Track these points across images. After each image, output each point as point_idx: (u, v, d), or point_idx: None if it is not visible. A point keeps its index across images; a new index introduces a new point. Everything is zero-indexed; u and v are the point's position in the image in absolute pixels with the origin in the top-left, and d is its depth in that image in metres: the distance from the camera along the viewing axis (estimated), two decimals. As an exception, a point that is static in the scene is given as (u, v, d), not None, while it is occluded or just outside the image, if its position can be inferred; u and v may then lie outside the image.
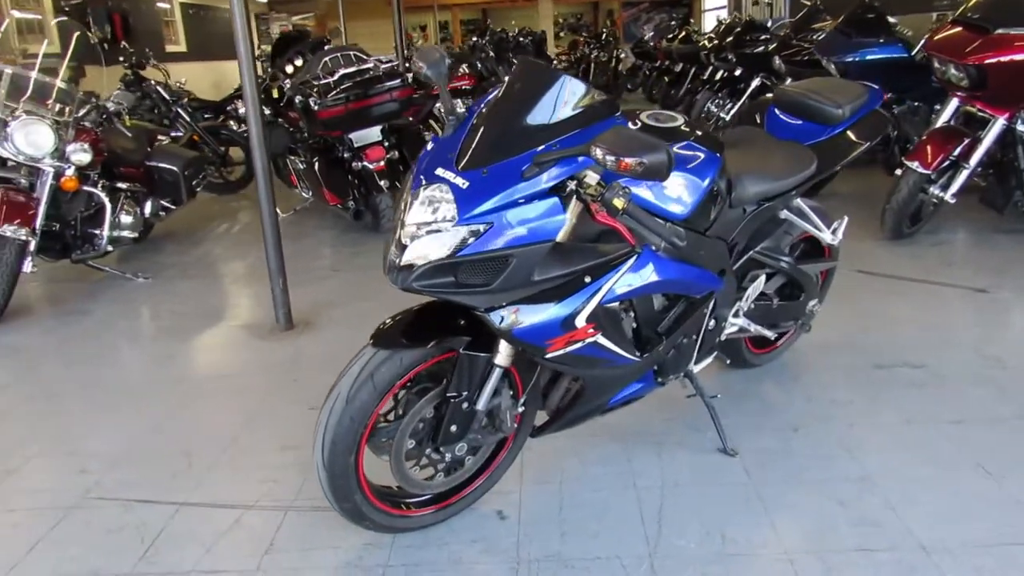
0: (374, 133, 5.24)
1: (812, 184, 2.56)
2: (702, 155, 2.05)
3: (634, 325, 2.09)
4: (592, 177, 1.75)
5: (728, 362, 2.92)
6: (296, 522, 2.19)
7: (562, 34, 26.46)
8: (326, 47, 6.64)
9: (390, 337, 1.86)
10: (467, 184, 1.72)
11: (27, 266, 4.05)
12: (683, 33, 11.23)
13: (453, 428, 1.94)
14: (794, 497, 2.21)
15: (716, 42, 8.61)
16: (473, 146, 1.77)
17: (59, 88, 4.33)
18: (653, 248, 1.97)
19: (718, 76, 8.63)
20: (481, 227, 1.68)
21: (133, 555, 2.09)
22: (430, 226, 1.71)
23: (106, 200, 4.51)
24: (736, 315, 2.53)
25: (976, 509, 2.11)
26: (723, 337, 2.52)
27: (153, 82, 7.58)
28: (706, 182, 2.03)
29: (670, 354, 2.23)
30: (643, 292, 1.99)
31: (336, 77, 5.02)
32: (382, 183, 5.20)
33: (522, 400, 2.07)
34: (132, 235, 4.88)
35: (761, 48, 7.64)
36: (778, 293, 2.78)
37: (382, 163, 5.20)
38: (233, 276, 4.89)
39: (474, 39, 8.92)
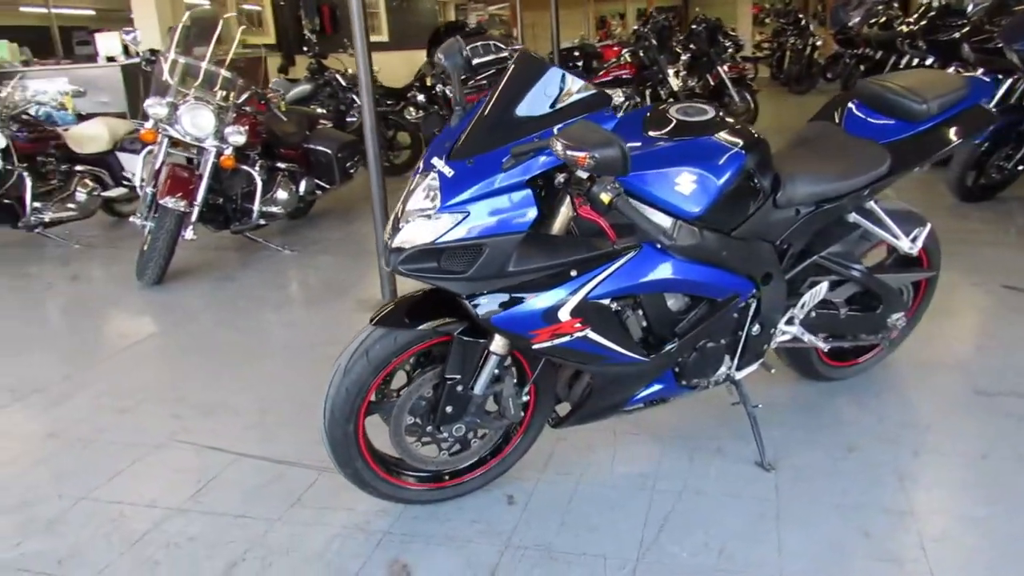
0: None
1: (886, 185, 2.35)
2: (721, 152, 1.95)
3: (644, 323, 2.05)
4: (583, 172, 1.74)
5: (798, 373, 2.75)
6: (326, 483, 2.36)
7: (767, 20, 25.24)
8: (468, 36, 6.83)
9: (389, 317, 1.95)
10: (452, 173, 1.77)
11: (188, 234, 4.58)
12: (884, 17, 10.38)
13: (449, 409, 2.01)
14: (816, 521, 2.07)
15: (912, 27, 7.91)
16: (464, 136, 1.82)
17: (223, 76, 4.82)
18: (657, 246, 1.92)
19: (915, 64, 7.92)
20: (460, 215, 1.73)
21: (185, 493, 2.36)
22: (421, 212, 1.79)
23: (258, 178, 4.97)
24: (790, 323, 2.39)
25: (1021, 563, 1.87)
26: (772, 345, 2.38)
27: (332, 71, 8.17)
28: (722, 180, 1.94)
29: (691, 357, 2.16)
30: (643, 290, 1.94)
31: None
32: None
33: (526, 389, 2.10)
34: (285, 211, 5.34)
35: (955, 34, 6.92)
36: (853, 303, 2.57)
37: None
38: (370, 253, 5.22)
39: (635, 27, 8.77)
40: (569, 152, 1.55)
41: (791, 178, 2.18)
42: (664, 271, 1.93)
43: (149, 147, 4.79)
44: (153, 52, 5.13)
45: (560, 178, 1.78)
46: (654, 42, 7.81)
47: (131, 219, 4.85)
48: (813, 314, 2.44)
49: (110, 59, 8.90)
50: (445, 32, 7.62)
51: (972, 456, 2.32)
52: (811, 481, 2.24)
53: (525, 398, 2.11)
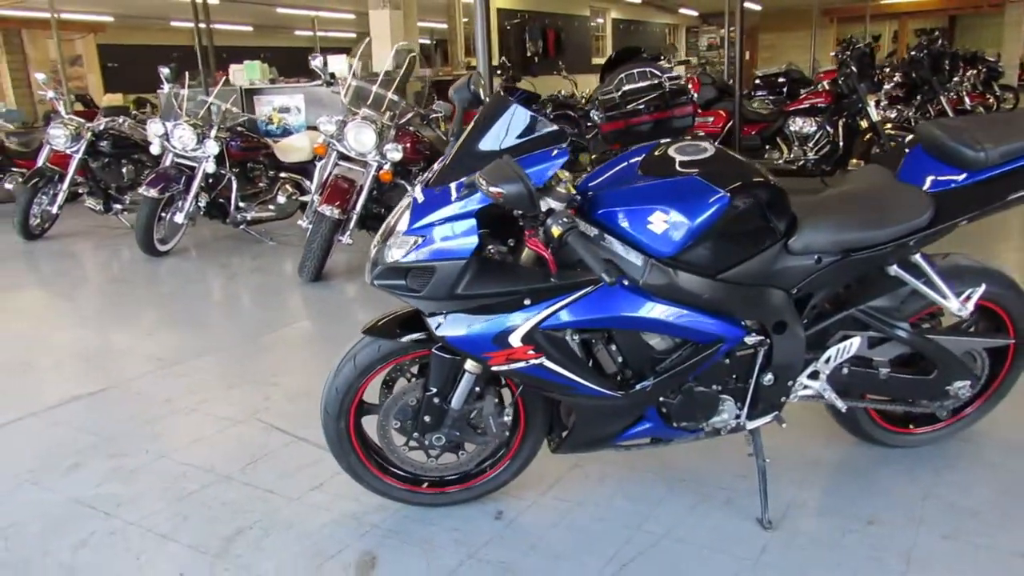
0: (659, 149, 5.33)
1: (934, 239, 2.15)
2: (702, 193, 1.91)
3: (619, 359, 2.05)
4: (546, 204, 1.82)
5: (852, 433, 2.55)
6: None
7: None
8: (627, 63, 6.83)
9: (376, 328, 2.13)
10: (422, 199, 1.92)
11: (345, 239, 5.09)
12: None
13: (427, 419, 2.14)
14: (787, 589, 1.94)
15: None
16: (439, 167, 1.95)
17: (389, 99, 5.29)
18: (626, 283, 1.92)
19: None
20: (419, 239, 1.87)
21: (239, 465, 2.69)
22: (396, 233, 1.96)
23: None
24: (814, 377, 2.24)
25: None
26: (792, 398, 2.25)
27: (522, 92, 8.55)
28: (698, 221, 1.90)
29: (676, 399, 2.12)
30: (606, 325, 1.96)
31: (619, 93, 5.24)
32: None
33: (507, 409, 2.17)
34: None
35: None
36: (907, 364, 2.35)
37: (662, 178, 5.28)
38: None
39: (832, 52, 8.22)
40: (486, 188, 1.64)
41: (810, 224, 2.07)
42: (629, 308, 1.93)
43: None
44: (332, 76, 5.72)
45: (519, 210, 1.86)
46: (854, 69, 7.32)
47: (299, 223, 5.46)
48: (845, 371, 2.27)
49: (332, 76, 9.95)
50: (619, 57, 7.68)
51: (1009, 552, 2.04)
52: (805, 549, 2.10)
53: (507, 418, 2.18)
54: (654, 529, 2.22)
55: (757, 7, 19.10)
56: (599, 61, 18.32)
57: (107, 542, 2.27)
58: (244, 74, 10.66)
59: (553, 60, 14.93)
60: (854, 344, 2.22)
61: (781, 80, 9.39)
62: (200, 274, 5.66)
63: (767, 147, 7.81)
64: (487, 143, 1.87)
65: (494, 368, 1.97)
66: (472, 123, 1.96)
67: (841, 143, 7.33)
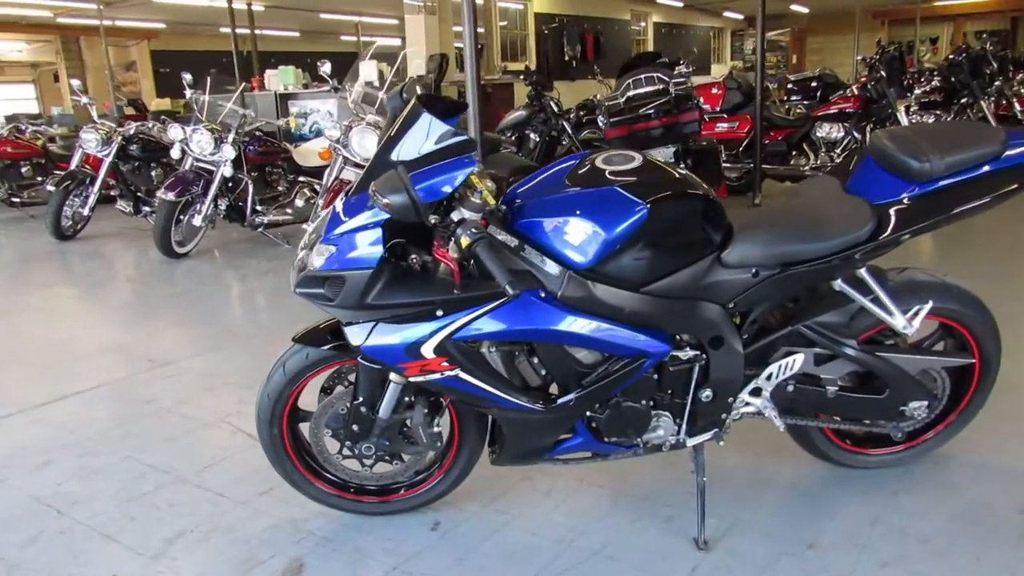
0: (667, 154, 5.27)
1: (879, 253, 2.06)
2: (620, 205, 1.87)
3: (543, 372, 2.02)
4: (459, 214, 1.80)
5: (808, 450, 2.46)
6: (301, 479, 2.60)
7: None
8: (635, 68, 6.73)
9: (305, 336, 2.14)
10: (341, 209, 1.92)
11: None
12: None
13: (355, 428, 2.14)
14: (705, 613, 1.89)
15: None
16: (361, 177, 1.95)
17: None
18: (542, 295, 1.89)
19: None
20: (332, 248, 1.87)
21: (197, 467, 2.73)
22: (315, 241, 1.96)
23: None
24: (756, 394, 2.18)
25: None
26: (734, 415, 2.19)
27: (548, 98, 8.50)
28: (614, 233, 1.86)
29: (604, 414, 2.07)
30: (521, 338, 1.93)
31: (624, 99, 5.18)
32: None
33: (437, 420, 2.16)
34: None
35: None
36: (863, 382, 2.27)
37: (668, 185, 5.21)
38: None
39: (860, 56, 7.98)
40: (377, 199, 1.63)
41: (745, 236, 2.02)
42: (546, 321, 1.90)
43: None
44: (340, 82, 5.79)
45: (433, 220, 1.85)
46: (883, 74, 7.11)
47: (303, 226, 5.53)
48: (790, 388, 2.20)
49: (368, 83, 10.07)
50: (635, 61, 7.60)
51: (950, 583, 1.95)
52: (735, 572, 2.03)
53: (437, 428, 2.17)
54: (586, 545, 2.17)
55: (804, 9, 18.72)
56: (641, 65, 18.26)
57: (54, 540, 2.32)
58: (279, 79, 10.87)
59: (591, 64, 14.84)
60: (797, 361, 2.14)
61: (814, 84, 9.18)
62: (213, 276, 5.78)
63: (794, 153, 7.64)
64: (400, 152, 1.86)
65: (411, 379, 1.96)
66: (386, 133, 1.96)
67: (869, 149, 7.12)
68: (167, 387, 3.52)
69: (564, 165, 2.06)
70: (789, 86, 9.49)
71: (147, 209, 7.34)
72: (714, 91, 8.19)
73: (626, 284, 1.93)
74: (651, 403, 2.10)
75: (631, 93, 5.26)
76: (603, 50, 16.14)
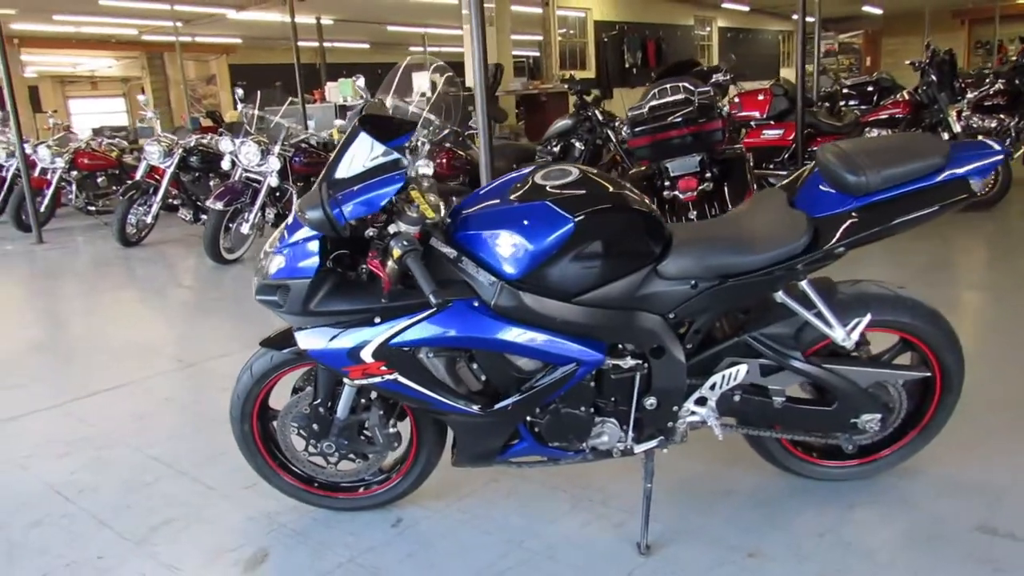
0: (691, 163, 5.26)
1: (818, 265, 2.08)
2: (548, 218, 1.95)
3: (483, 377, 2.11)
4: (396, 227, 1.92)
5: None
6: (285, 474, 2.75)
7: None
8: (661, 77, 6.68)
9: (270, 339, 2.28)
10: (291, 221, 2.06)
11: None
12: None
13: (315, 427, 2.28)
14: (630, 614, 1.94)
15: None
16: (312, 191, 2.08)
17: (423, 117, 5.46)
18: (475, 304, 1.99)
19: None
20: (283, 258, 2.01)
21: (197, 461, 2.92)
22: (272, 252, 2.11)
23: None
24: (701, 404, 2.21)
25: None
26: (680, 424, 2.23)
27: (593, 109, 8.55)
28: (542, 245, 1.94)
29: (545, 419, 2.15)
30: (456, 345, 2.02)
31: (646, 108, 5.20)
32: (692, 214, 5.21)
33: (392, 420, 2.27)
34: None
35: None
36: (820, 392, 2.28)
37: (693, 194, 5.21)
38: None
39: (908, 60, 7.69)
40: (300, 214, 1.76)
41: (681, 248, 2.07)
42: (481, 329, 1.99)
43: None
44: (372, 95, 5.97)
45: (370, 231, 1.96)
46: (934, 78, 6.91)
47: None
48: (737, 398, 2.23)
49: (422, 95, 10.31)
50: (672, 69, 7.55)
51: (882, 596, 1.95)
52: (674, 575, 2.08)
53: (394, 429, 2.28)
54: (533, 546, 2.25)
55: (878, 11, 18.16)
56: (705, 71, 18.03)
57: (56, 524, 2.54)
58: (339, 91, 11.24)
59: (652, 72, 14.78)
60: (741, 372, 2.17)
61: (870, 89, 8.95)
62: (244, 283, 6.05)
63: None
64: (341, 169, 1.99)
65: (355, 382, 2.08)
66: (336, 149, 2.08)
67: (918, 156, 6.92)
68: (188, 386, 3.75)
69: (510, 178, 2.15)
70: (845, 91, 9.27)
71: (205, 217, 7.74)
72: (760, 98, 8.09)
73: (558, 294, 2.00)
74: (592, 410, 2.16)
75: (654, 103, 5.27)
76: (665, 56, 16.04)
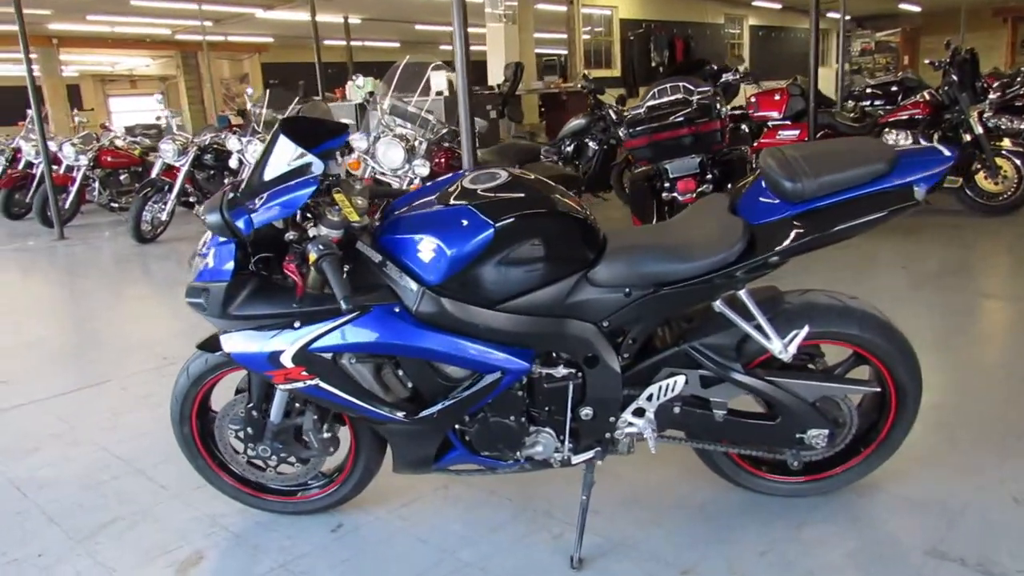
0: (691, 164, 5.17)
1: (756, 274, 2.00)
2: (469, 223, 1.91)
3: (410, 384, 2.07)
4: (316, 230, 1.90)
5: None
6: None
7: None
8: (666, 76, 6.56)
9: (206, 343, 2.27)
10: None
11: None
12: None
13: (249, 430, 2.26)
14: (548, 631, 1.89)
15: None
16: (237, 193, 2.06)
17: (421, 117, 5.46)
18: (396, 310, 1.95)
19: None
20: (203, 261, 2.00)
21: (156, 460, 2.92)
22: (197, 255, 2.09)
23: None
24: (640, 415, 2.15)
25: None
26: (619, 435, 2.17)
27: (607, 107, 8.46)
28: (460, 251, 1.90)
29: (474, 428, 2.10)
30: (380, 351, 1.98)
31: (644, 108, 5.11)
32: (691, 216, 5.11)
33: (326, 426, 2.25)
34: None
35: None
36: (766, 407, 2.21)
37: (692, 195, 5.11)
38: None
39: (928, 60, 7.44)
40: (202, 217, 1.74)
41: (613, 256, 2.01)
42: (403, 335, 1.95)
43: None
44: (371, 93, 5.98)
45: (291, 235, 1.94)
46: (955, 78, 6.69)
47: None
48: (676, 410, 2.16)
49: (439, 93, 10.31)
50: (680, 67, 7.40)
51: (810, 620, 1.87)
52: (599, 591, 2.02)
53: (328, 434, 2.25)
54: (467, 557, 2.21)
55: (916, 8, 17.70)
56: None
57: (9, 520, 2.56)
58: (353, 90, 11.26)
59: (679, 69, 14.60)
60: (678, 383, 2.10)
61: (894, 89, 8.72)
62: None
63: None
64: (264, 171, 1.96)
65: (280, 386, 2.06)
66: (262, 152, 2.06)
67: (936, 158, 6.71)
68: (167, 383, 3.76)
69: (443, 180, 2.11)
70: (869, 90, 9.04)
71: (219, 214, 7.81)
72: (776, 97, 7.92)
73: (481, 301, 1.96)
74: (524, 419, 2.11)
75: (651, 103, 5.19)
76: (693, 55, 15.79)
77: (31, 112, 9.72)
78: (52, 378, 3.96)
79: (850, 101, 9.33)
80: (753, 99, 8.36)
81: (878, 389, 2.16)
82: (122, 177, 9.67)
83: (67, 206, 8.97)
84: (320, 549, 2.30)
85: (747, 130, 7.82)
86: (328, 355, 1.98)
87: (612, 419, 2.13)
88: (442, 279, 1.92)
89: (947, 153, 1.93)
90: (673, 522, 2.31)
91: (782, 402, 2.12)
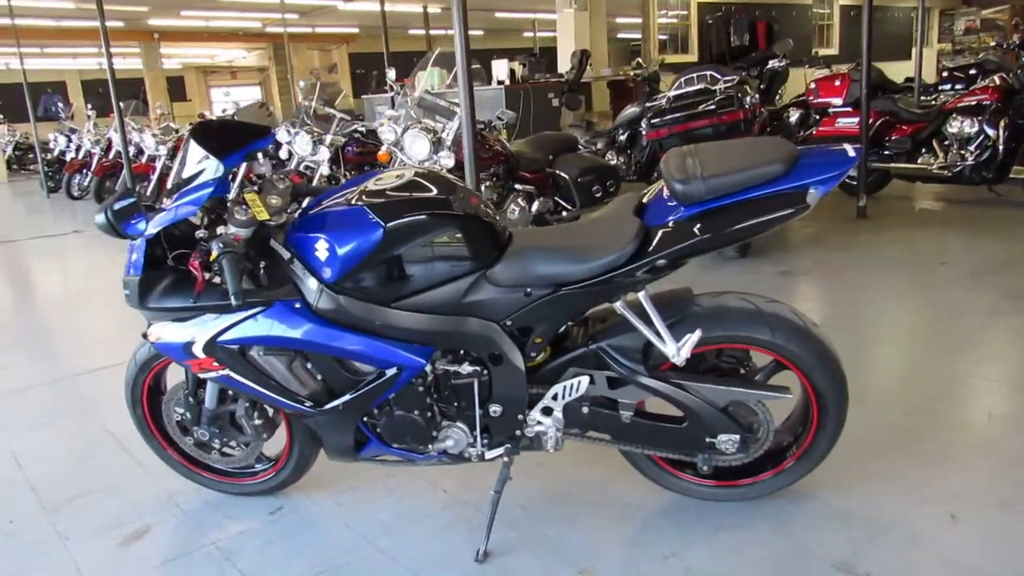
0: (716, 156, 5.03)
1: (655, 275, 1.98)
2: (360, 223, 1.96)
3: (319, 376, 2.14)
4: (222, 229, 2.00)
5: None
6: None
7: None
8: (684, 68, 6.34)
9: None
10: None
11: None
12: None
13: (187, 415, 2.40)
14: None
15: None
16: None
17: (448, 108, 5.52)
18: (297, 306, 2.03)
19: None
20: (129, 255, 2.13)
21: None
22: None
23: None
24: (548, 414, 2.16)
25: None
26: (528, 432, 2.18)
27: (663, 94, 8.31)
28: (349, 249, 1.95)
29: (381, 421, 2.16)
30: (278, 345, 2.06)
31: (667, 98, 5.00)
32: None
33: (256, 413, 2.35)
34: (516, 226, 5.87)
35: None
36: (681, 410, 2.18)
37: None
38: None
39: (996, 41, 6.90)
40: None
41: (511, 256, 2.04)
42: (297, 331, 2.03)
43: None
44: (402, 84, 6.08)
45: (200, 232, 2.04)
46: (1026, 60, 6.25)
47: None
48: (585, 410, 2.15)
49: (500, 82, 10.37)
50: (729, 52, 7.14)
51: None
52: (492, 585, 2.05)
53: (259, 420, 2.36)
54: (384, 545, 2.28)
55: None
56: (825, 51, 16.98)
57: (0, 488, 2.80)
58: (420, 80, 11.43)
59: (762, 52, 14.13)
60: (582, 383, 2.10)
61: (972, 72, 8.20)
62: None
63: (923, 151, 6.92)
64: (182, 173, 2.07)
65: (199, 375, 2.18)
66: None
67: (1002, 147, 6.30)
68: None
69: (357, 179, 2.17)
70: (944, 74, 8.52)
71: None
72: (836, 83, 7.60)
73: (377, 299, 2.01)
74: (430, 414, 2.16)
75: (673, 93, 5.08)
76: (776, 38, 15.22)
77: (122, 104, 10.38)
78: (76, 358, 4.25)
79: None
80: (813, 85, 8.04)
81: (789, 396, 2.09)
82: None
83: (149, 192, 9.52)
84: (253, 530, 2.41)
85: (796, 119, 7.52)
86: (235, 347, 2.09)
87: (520, 416, 2.15)
88: (338, 277, 1.99)
89: (851, 154, 1.85)
90: (592, 521, 2.31)
91: (689, 406, 2.09)
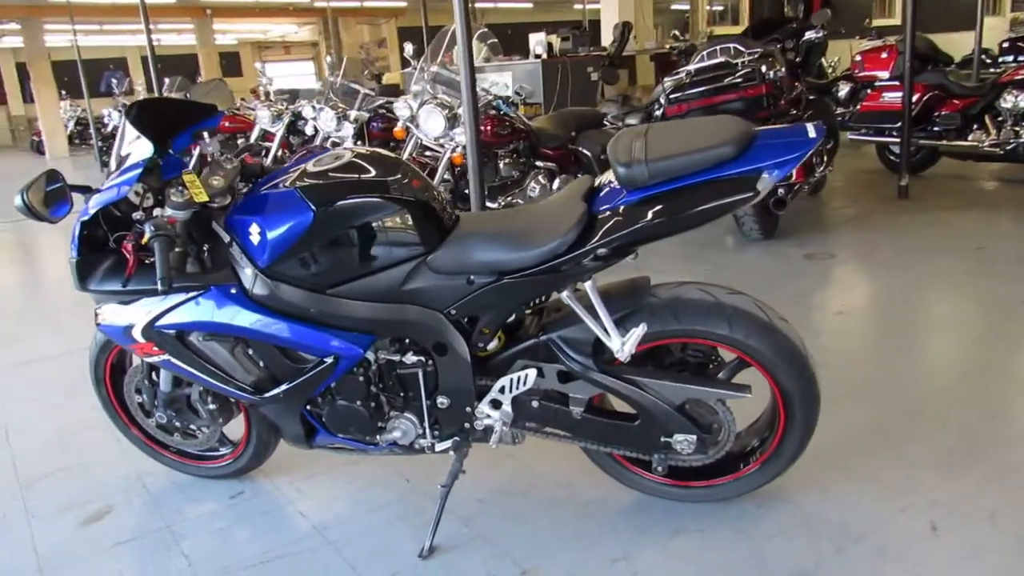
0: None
1: (601, 264, 1.86)
2: (291, 207, 1.88)
3: (261, 363, 2.09)
4: (159, 211, 1.95)
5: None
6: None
7: None
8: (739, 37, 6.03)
9: (109, 312, 2.39)
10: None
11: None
12: None
13: (144, 398, 2.37)
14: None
15: None
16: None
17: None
18: (233, 291, 1.97)
19: None
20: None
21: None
22: None
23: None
24: (496, 407, 2.06)
25: None
26: (478, 424, 2.09)
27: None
28: (282, 235, 1.88)
29: (324, 410, 2.10)
30: (214, 330, 2.00)
31: (686, 72, 4.78)
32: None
33: (210, 398, 2.31)
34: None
35: None
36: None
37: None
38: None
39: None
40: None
41: (453, 243, 1.94)
42: (232, 317, 1.97)
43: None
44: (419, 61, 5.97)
45: (137, 214, 1.99)
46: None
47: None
48: (535, 404, 2.05)
49: (537, 56, 10.15)
50: (766, 26, 6.81)
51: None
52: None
53: (213, 405, 2.32)
54: (332, 534, 2.23)
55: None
56: (884, 23, 16.20)
57: (-10, 457, 2.85)
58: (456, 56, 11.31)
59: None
60: (529, 376, 2.00)
61: (1021, 44, 7.69)
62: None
63: (974, 127, 6.52)
64: (119, 152, 2.02)
65: (144, 359, 2.14)
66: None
67: (1057, 123, 5.90)
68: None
69: (296, 161, 2.09)
70: (1004, 45, 8.01)
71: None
72: (883, 56, 7.24)
73: (311, 285, 1.94)
74: (374, 404, 2.09)
75: (695, 67, 4.86)
76: (834, 6, 14.58)
77: (167, 81, 10.53)
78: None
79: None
80: (859, 57, 7.67)
81: (749, 395, 1.95)
82: (239, 141, 10.28)
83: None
84: (209, 513, 2.39)
85: (847, 93, 7.17)
86: (172, 332, 2.04)
87: (468, 409, 2.06)
88: (270, 262, 1.92)
89: (812, 134, 1.69)
90: (549, 518, 2.22)
91: (641, 403, 1.97)
